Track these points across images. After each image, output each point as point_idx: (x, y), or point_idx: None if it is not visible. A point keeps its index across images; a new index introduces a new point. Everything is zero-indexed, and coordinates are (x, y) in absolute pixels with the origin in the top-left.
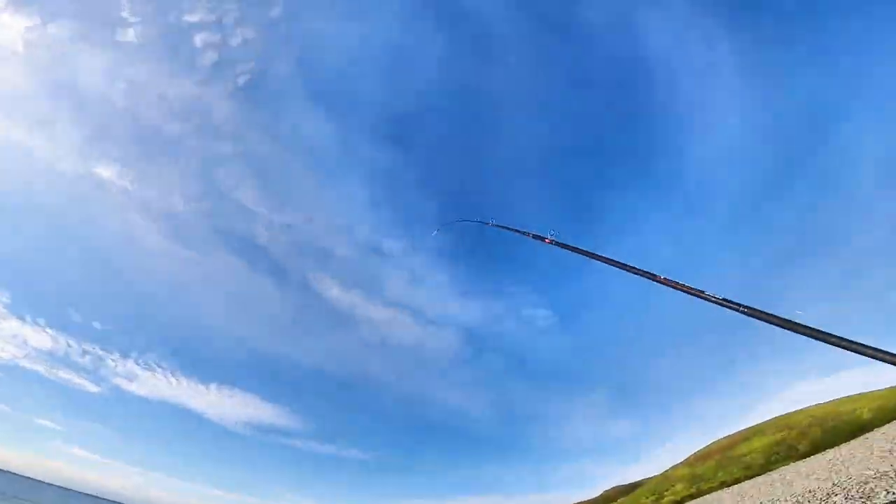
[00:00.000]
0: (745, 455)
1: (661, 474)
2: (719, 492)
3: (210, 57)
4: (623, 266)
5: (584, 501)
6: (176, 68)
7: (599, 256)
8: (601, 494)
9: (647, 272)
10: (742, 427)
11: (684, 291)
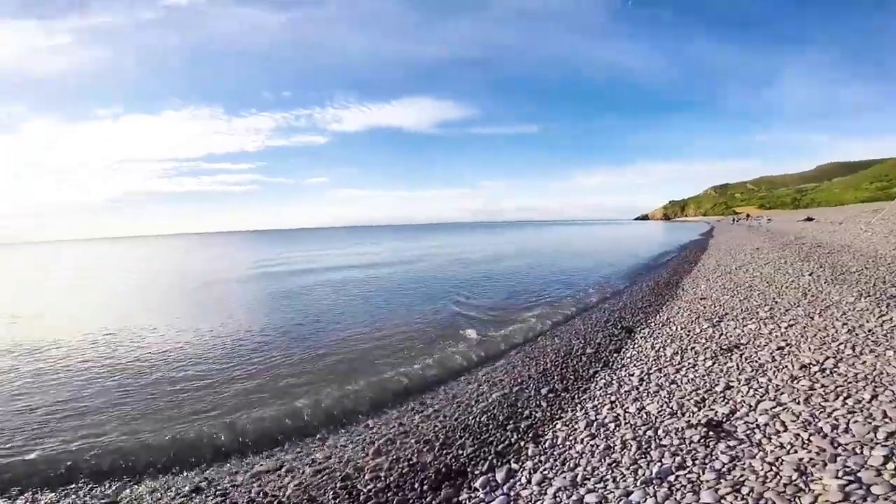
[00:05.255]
0: None
1: (894, 159)
2: None
3: None
4: None
5: (797, 174)
6: None
7: None
8: (816, 168)
9: None
10: None
11: None
